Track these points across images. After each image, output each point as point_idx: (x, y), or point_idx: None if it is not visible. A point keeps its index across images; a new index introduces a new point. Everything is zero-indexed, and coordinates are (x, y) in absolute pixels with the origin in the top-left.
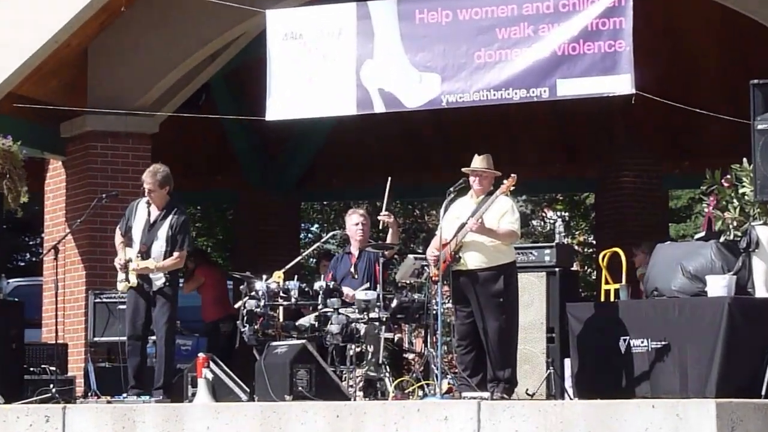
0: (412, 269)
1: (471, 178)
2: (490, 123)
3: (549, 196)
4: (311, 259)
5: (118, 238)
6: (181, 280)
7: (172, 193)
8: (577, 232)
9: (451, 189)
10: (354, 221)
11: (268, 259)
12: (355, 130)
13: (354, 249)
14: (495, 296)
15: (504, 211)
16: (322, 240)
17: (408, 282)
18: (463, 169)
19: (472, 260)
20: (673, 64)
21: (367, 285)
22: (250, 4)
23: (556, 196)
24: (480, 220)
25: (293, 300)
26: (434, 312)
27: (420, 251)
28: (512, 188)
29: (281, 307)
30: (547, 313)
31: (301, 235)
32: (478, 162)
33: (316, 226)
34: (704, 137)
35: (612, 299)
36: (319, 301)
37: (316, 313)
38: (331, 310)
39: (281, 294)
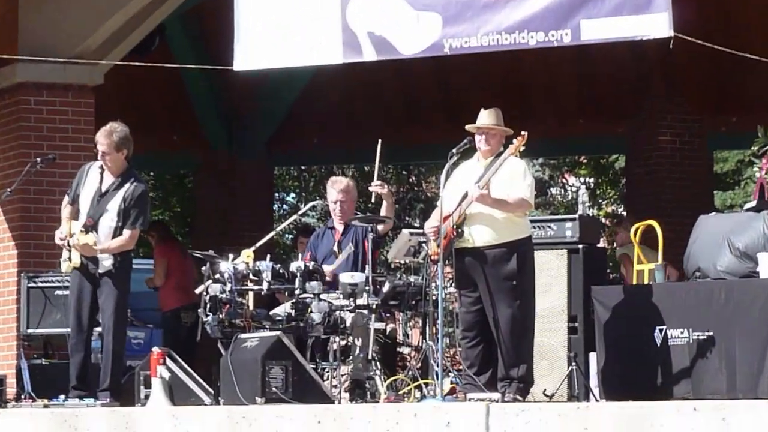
0: (408, 247)
1: (477, 137)
2: (500, 73)
3: (571, 158)
4: (287, 235)
5: (65, 208)
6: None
7: (131, 159)
8: (604, 202)
9: (454, 151)
10: (331, 197)
11: (235, 236)
12: (339, 81)
13: (337, 223)
14: (507, 279)
15: (514, 176)
16: (300, 212)
17: (402, 262)
18: (467, 127)
19: (478, 235)
20: (718, 2)
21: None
22: None
23: (579, 158)
24: (485, 187)
25: (265, 284)
26: (434, 298)
27: (417, 225)
28: (522, 148)
29: (251, 293)
30: (569, 298)
31: (275, 207)
32: (485, 117)
33: (293, 195)
34: (755, 89)
35: (646, 281)
36: (297, 286)
37: (293, 300)
38: (311, 295)
39: (251, 277)
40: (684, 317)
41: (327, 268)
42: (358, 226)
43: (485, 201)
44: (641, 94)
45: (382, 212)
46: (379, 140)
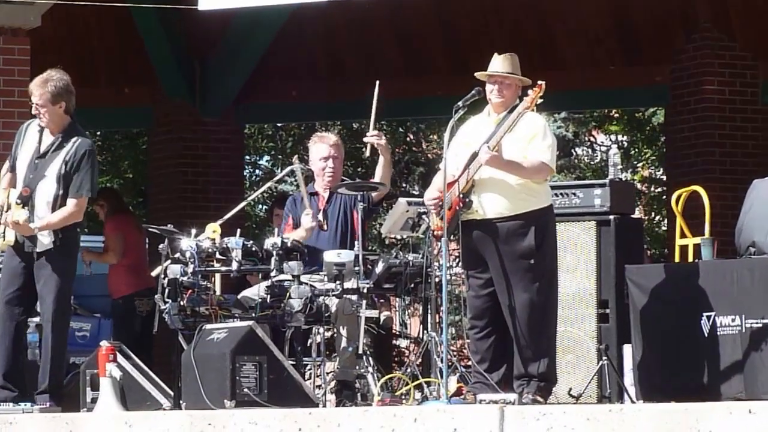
0: (405, 219)
1: (488, 87)
2: (514, 10)
3: (599, 112)
4: (260, 206)
5: (4, 176)
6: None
7: (74, 114)
8: (639, 165)
9: (460, 103)
10: (320, 152)
11: (198, 206)
12: (321, 22)
13: (321, 188)
14: (523, 257)
15: (532, 134)
16: (276, 178)
17: (399, 237)
18: (477, 74)
19: (490, 206)
20: None
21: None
22: None
23: (609, 112)
24: (496, 148)
25: (235, 264)
26: (437, 280)
27: (416, 193)
28: (540, 100)
29: (218, 275)
30: (598, 280)
31: (246, 172)
32: (498, 64)
33: (267, 158)
34: None
35: (691, 259)
36: (273, 266)
37: (268, 283)
38: (290, 278)
39: (218, 256)
40: (736, 302)
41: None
42: (346, 195)
43: (496, 164)
44: (684, 35)
45: (377, 173)
46: (377, 83)
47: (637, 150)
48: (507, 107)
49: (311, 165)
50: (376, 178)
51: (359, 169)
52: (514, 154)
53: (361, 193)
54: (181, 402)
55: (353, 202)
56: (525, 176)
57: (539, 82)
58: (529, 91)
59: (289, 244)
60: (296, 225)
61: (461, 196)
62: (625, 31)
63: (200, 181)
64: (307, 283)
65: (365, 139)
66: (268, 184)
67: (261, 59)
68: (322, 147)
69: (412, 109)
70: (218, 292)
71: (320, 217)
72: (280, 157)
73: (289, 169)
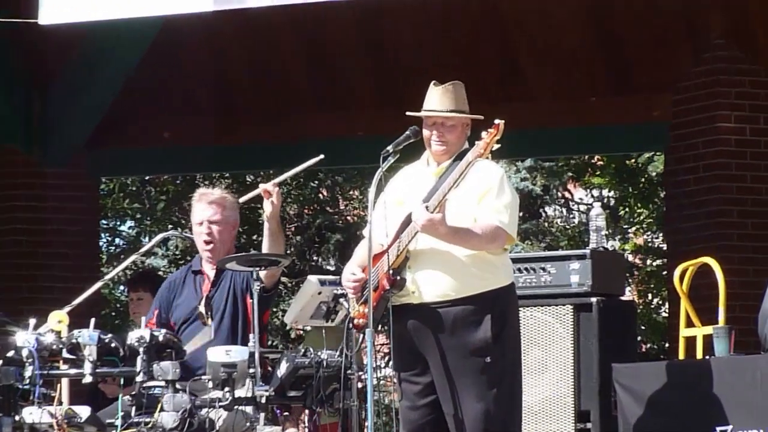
0: (317, 304)
1: (426, 130)
2: (463, 21)
3: (577, 159)
4: (121, 287)
5: None
6: None
7: None
8: (631, 230)
9: (390, 148)
10: (198, 215)
11: (37, 288)
12: (204, 37)
13: (207, 264)
14: (476, 353)
15: (485, 189)
16: (142, 250)
17: (309, 329)
18: (409, 113)
19: (430, 285)
20: None
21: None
22: None
23: (590, 159)
24: (438, 210)
25: (88, 366)
26: (360, 386)
27: (331, 269)
28: (497, 146)
29: (65, 381)
30: (576, 384)
31: (102, 242)
32: (437, 98)
33: (130, 224)
34: None
35: (700, 355)
36: (139, 368)
37: (133, 392)
38: (162, 384)
39: (65, 354)
40: (760, 411)
41: (188, 346)
42: (238, 272)
43: (437, 231)
44: (691, 54)
45: (264, 244)
46: (321, 156)
47: (628, 209)
48: (452, 154)
49: (194, 233)
50: (264, 250)
51: (256, 237)
52: (461, 217)
53: (258, 268)
54: None
55: (246, 282)
56: (476, 246)
57: (496, 121)
58: (483, 133)
59: (160, 339)
60: (163, 321)
61: (391, 272)
62: (612, 49)
63: (40, 253)
64: (185, 391)
65: (260, 186)
66: (132, 258)
67: (122, 90)
68: (199, 209)
69: (326, 154)
70: (66, 404)
71: (201, 307)
72: (148, 221)
73: (160, 237)
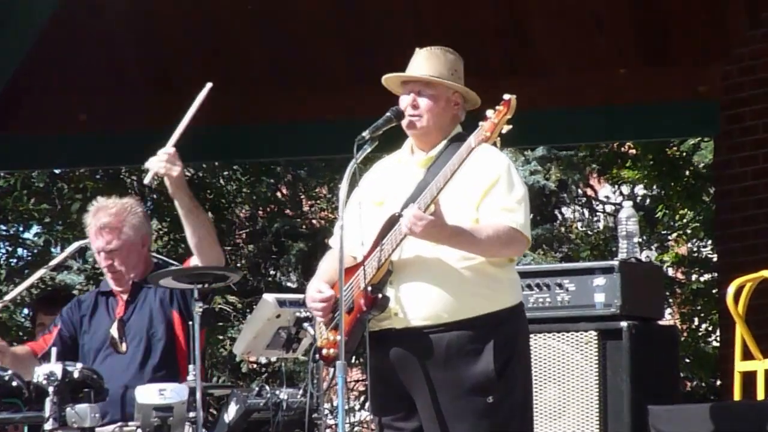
0: (275, 330)
1: (401, 99)
2: None
3: (602, 147)
4: (24, 310)
5: None
6: None
7: None
8: (671, 236)
9: (366, 133)
10: (95, 243)
11: None
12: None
13: (117, 285)
14: (476, 391)
15: (490, 182)
16: (52, 263)
17: (265, 360)
18: (385, 78)
19: (417, 305)
20: None
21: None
22: None
23: (619, 147)
24: (433, 206)
25: None
26: None
27: (292, 286)
28: (506, 127)
29: None
30: (604, 429)
31: (1, 249)
32: (419, 61)
33: (37, 230)
34: None
35: (762, 394)
36: (48, 412)
37: None
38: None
39: None
40: None
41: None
42: (164, 287)
43: (439, 235)
44: (746, 15)
45: (188, 233)
46: (208, 85)
47: (668, 210)
48: (436, 140)
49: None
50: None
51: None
52: (460, 216)
53: (200, 285)
54: None
55: (175, 299)
56: (487, 252)
57: (506, 97)
58: (489, 112)
59: (76, 375)
60: (66, 344)
61: (370, 289)
62: (646, 9)
63: None
64: None
65: (146, 164)
66: (40, 273)
67: (26, 58)
68: (92, 235)
69: (287, 142)
70: None
71: (113, 331)
72: (59, 226)
73: (75, 246)
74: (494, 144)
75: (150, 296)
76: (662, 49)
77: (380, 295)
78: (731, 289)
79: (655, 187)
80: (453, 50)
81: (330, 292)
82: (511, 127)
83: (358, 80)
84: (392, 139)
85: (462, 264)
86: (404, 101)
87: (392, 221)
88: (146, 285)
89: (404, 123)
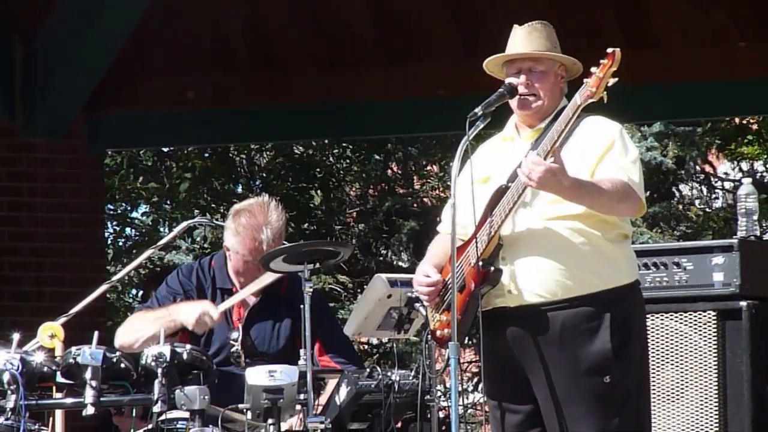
0: (386, 311)
1: (509, 79)
2: None
3: (721, 123)
4: (132, 291)
5: None
6: None
7: None
8: None
9: (478, 110)
10: (245, 245)
11: (22, 294)
12: None
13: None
14: (592, 371)
15: (605, 145)
16: (160, 242)
17: (376, 342)
18: (486, 62)
19: (530, 281)
20: None
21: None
22: None
23: (739, 122)
24: (552, 156)
25: (90, 393)
26: (441, 415)
27: (404, 266)
28: (612, 80)
29: (60, 412)
30: (722, 412)
31: (108, 232)
32: (522, 38)
33: (144, 209)
34: None
35: None
36: (156, 394)
37: (150, 426)
38: (186, 415)
39: (60, 379)
40: None
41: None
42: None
43: (559, 184)
44: None
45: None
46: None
47: None
48: (545, 114)
49: (228, 252)
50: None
51: (305, 226)
52: (578, 168)
53: (312, 265)
54: None
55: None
56: (605, 206)
57: (609, 50)
58: (593, 69)
59: (185, 356)
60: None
61: (480, 264)
62: None
63: (25, 249)
64: (216, 425)
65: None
66: (148, 253)
67: (132, 36)
68: (248, 241)
69: (397, 119)
70: None
71: (237, 345)
72: (167, 206)
73: (184, 225)
74: (601, 99)
75: (277, 306)
76: None
77: (492, 269)
78: None
79: None
80: (546, 21)
81: (437, 276)
82: (617, 80)
83: (469, 55)
84: (505, 116)
85: (576, 239)
86: (513, 78)
87: (500, 193)
88: (274, 291)
89: (515, 104)
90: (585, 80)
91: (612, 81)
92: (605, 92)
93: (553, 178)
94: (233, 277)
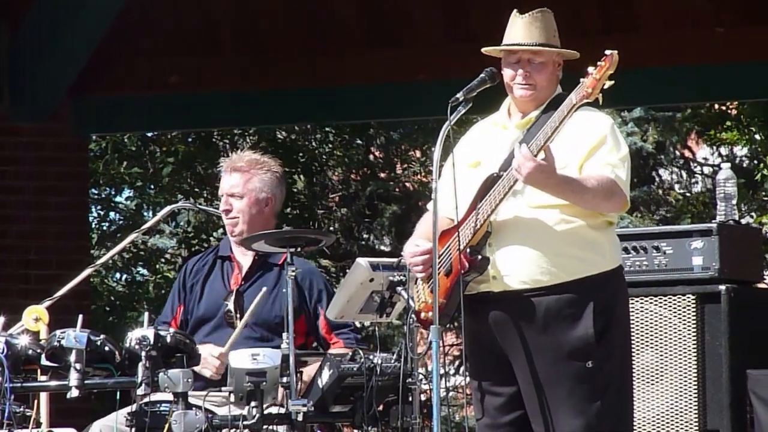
0: (368, 294)
1: (506, 71)
2: None
3: (700, 108)
4: (117, 275)
5: None
6: None
7: None
8: None
9: (460, 96)
10: (222, 186)
11: (8, 276)
12: None
13: (237, 250)
14: (575, 356)
15: (596, 142)
16: (145, 226)
17: (359, 325)
18: (485, 50)
19: (516, 268)
20: None
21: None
22: None
23: (718, 108)
24: (543, 153)
25: (75, 375)
26: (423, 398)
27: (385, 249)
28: (608, 82)
29: (45, 395)
30: (701, 394)
31: (92, 216)
32: (522, 28)
33: (128, 193)
34: None
35: None
36: (140, 377)
37: (133, 408)
38: (170, 398)
39: (44, 361)
40: None
41: (209, 348)
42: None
43: (546, 181)
44: None
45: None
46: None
47: (767, 172)
48: (540, 102)
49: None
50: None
51: (288, 210)
52: (567, 164)
53: (294, 249)
54: None
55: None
56: (589, 203)
57: (608, 52)
58: (590, 69)
59: (168, 339)
60: (184, 319)
61: (468, 251)
62: None
63: (11, 231)
64: (199, 407)
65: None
66: (132, 237)
67: (116, 20)
68: (224, 177)
69: (378, 103)
70: (46, 426)
71: (230, 304)
72: (151, 190)
73: (167, 210)
74: (596, 100)
75: (275, 275)
76: (761, 7)
77: (479, 257)
78: None
79: (754, 149)
80: (546, 9)
81: (428, 245)
82: (613, 82)
83: (453, 40)
84: (486, 101)
85: (561, 227)
86: (511, 70)
87: (490, 182)
88: (271, 262)
89: (516, 93)
90: (581, 80)
91: (608, 83)
92: (600, 94)
93: (541, 176)
94: (231, 241)
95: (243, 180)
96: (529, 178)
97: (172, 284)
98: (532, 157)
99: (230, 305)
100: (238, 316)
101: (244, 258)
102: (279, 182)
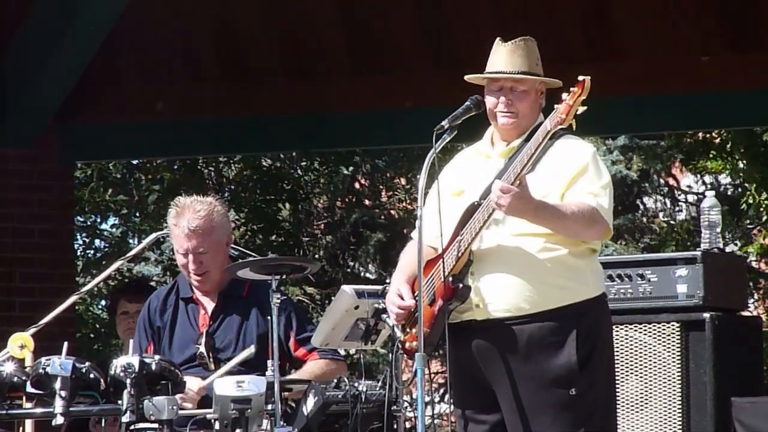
0: (353, 321)
1: (489, 99)
2: None
3: (685, 137)
4: (101, 301)
5: None
6: None
7: None
8: (755, 228)
9: (445, 123)
10: (183, 244)
11: None
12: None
13: (199, 291)
14: (558, 383)
15: (577, 169)
16: (130, 254)
17: (343, 353)
18: (468, 77)
19: (498, 296)
20: None
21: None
22: None
23: (702, 136)
24: (518, 182)
25: (60, 403)
26: (408, 426)
27: (371, 276)
28: (581, 108)
29: (30, 422)
30: (686, 423)
31: (78, 243)
32: (504, 56)
33: (114, 221)
34: None
35: None
36: (125, 404)
37: None
38: (155, 426)
39: (30, 389)
40: None
41: (190, 382)
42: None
43: (524, 208)
44: None
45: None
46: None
47: (752, 200)
48: (523, 129)
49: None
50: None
51: (273, 238)
52: (547, 192)
53: (278, 276)
54: None
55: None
56: (569, 230)
57: (580, 78)
58: (564, 95)
59: (153, 367)
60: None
61: (450, 280)
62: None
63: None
64: None
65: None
66: (117, 264)
67: (103, 46)
68: (179, 236)
69: (365, 129)
70: None
71: (202, 347)
72: (136, 218)
73: (152, 237)
74: (570, 126)
75: (240, 306)
76: (746, 36)
77: (461, 285)
78: None
79: (738, 177)
80: (529, 37)
81: (411, 301)
82: (586, 108)
83: (437, 68)
84: (471, 129)
85: (544, 255)
86: (494, 98)
87: (471, 210)
88: (236, 294)
89: (499, 120)
90: (556, 106)
91: (581, 109)
92: (574, 119)
93: (520, 203)
94: (194, 280)
95: (205, 237)
96: (510, 209)
97: None
98: (508, 187)
99: (201, 348)
100: (211, 357)
101: (207, 298)
102: (227, 216)
